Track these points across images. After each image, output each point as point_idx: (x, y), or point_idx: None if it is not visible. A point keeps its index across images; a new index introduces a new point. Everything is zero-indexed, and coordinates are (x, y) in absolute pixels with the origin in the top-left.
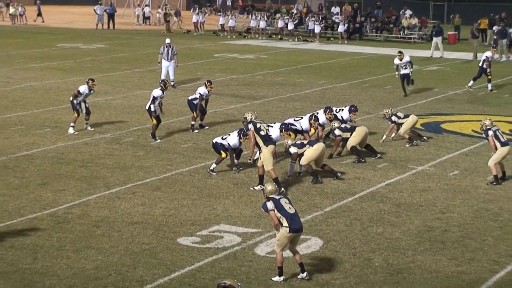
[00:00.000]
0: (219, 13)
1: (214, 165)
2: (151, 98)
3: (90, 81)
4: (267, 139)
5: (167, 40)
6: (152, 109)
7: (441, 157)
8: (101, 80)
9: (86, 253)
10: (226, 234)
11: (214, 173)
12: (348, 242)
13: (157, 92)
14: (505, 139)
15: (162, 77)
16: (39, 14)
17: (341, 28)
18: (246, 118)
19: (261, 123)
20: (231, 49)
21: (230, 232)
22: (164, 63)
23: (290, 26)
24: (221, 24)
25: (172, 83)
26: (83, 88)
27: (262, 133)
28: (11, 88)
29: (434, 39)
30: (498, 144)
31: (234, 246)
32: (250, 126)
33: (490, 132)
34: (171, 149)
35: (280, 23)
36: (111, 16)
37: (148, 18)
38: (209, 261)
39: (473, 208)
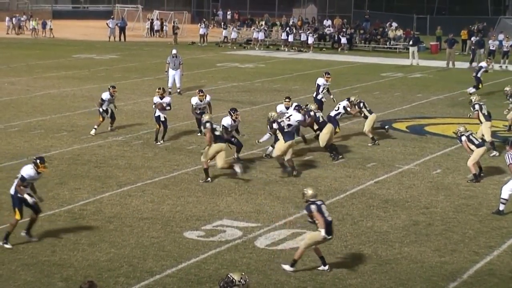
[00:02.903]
0: (223, 27)
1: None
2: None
3: (111, 88)
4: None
5: (174, 51)
6: (156, 114)
7: (425, 157)
8: None
9: (100, 246)
10: (228, 228)
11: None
12: (340, 236)
13: (155, 99)
14: (480, 141)
15: (169, 85)
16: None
17: (343, 40)
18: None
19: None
20: (232, 58)
21: (232, 227)
22: (171, 72)
23: (286, 37)
24: (225, 36)
25: (178, 90)
26: (106, 95)
27: (217, 133)
28: (31, 96)
29: (411, 48)
30: (473, 147)
31: (235, 240)
32: (207, 125)
33: (463, 138)
34: (178, 151)
35: (257, 35)
36: (122, 29)
37: (158, 31)
38: (213, 253)
39: (454, 204)
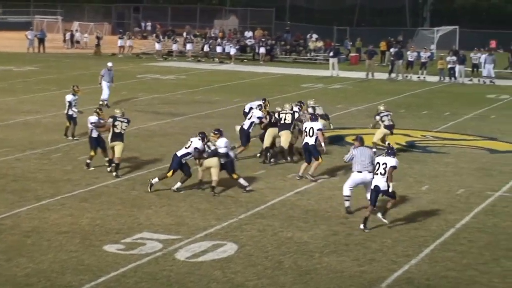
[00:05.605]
0: (157, 40)
1: (179, 184)
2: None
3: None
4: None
5: (109, 64)
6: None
7: (345, 167)
8: (31, 100)
9: (18, 261)
10: (148, 241)
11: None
12: (261, 247)
13: (69, 97)
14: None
15: (102, 97)
16: None
17: (262, 50)
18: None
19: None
20: (153, 70)
21: (152, 239)
22: (105, 84)
23: (206, 49)
24: (157, 50)
25: (105, 103)
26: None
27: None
28: None
29: (331, 59)
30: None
31: (156, 252)
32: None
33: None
34: (97, 163)
35: (189, 46)
36: (41, 41)
37: (79, 42)
38: (133, 266)
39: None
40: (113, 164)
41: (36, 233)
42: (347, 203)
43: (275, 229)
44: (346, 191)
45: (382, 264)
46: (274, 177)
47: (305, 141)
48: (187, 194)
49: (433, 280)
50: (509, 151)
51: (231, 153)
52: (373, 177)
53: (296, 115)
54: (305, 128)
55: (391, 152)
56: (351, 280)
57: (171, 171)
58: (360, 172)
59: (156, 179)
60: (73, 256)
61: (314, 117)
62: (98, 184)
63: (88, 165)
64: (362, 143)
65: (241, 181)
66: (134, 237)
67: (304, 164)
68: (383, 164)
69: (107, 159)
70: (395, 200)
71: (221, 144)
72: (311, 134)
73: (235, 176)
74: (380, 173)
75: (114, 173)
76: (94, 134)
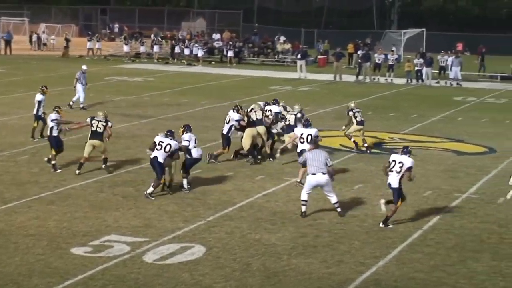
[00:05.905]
0: (125, 42)
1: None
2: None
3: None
4: None
5: (84, 67)
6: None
7: None
8: None
9: None
10: (116, 244)
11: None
12: (229, 249)
13: (39, 97)
14: None
15: (74, 99)
16: None
17: (230, 53)
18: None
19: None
20: (121, 72)
21: (120, 242)
22: (79, 87)
23: (177, 50)
24: (126, 52)
25: (81, 105)
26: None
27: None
28: None
29: (299, 62)
30: None
31: (123, 255)
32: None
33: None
34: (65, 166)
35: (156, 48)
36: (8, 43)
37: (46, 44)
38: (100, 269)
39: None
40: (104, 166)
41: (2, 236)
42: (303, 208)
43: (243, 231)
44: (304, 195)
45: (350, 266)
46: (242, 179)
47: (301, 147)
48: (154, 196)
49: (400, 282)
50: (476, 153)
51: (195, 152)
52: (389, 176)
53: (299, 115)
54: (302, 134)
55: (406, 151)
56: (319, 282)
57: (163, 178)
58: (314, 174)
59: (152, 189)
60: (40, 259)
61: (307, 123)
62: (66, 186)
63: (54, 166)
64: (316, 146)
65: (184, 181)
66: (102, 239)
67: (303, 169)
68: (399, 162)
69: (51, 156)
70: (397, 207)
71: (185, 137)
72: (309, 140)
73: (183, 175)
74: (396, 171)
75: (103, 166)
76: (54, 133)
